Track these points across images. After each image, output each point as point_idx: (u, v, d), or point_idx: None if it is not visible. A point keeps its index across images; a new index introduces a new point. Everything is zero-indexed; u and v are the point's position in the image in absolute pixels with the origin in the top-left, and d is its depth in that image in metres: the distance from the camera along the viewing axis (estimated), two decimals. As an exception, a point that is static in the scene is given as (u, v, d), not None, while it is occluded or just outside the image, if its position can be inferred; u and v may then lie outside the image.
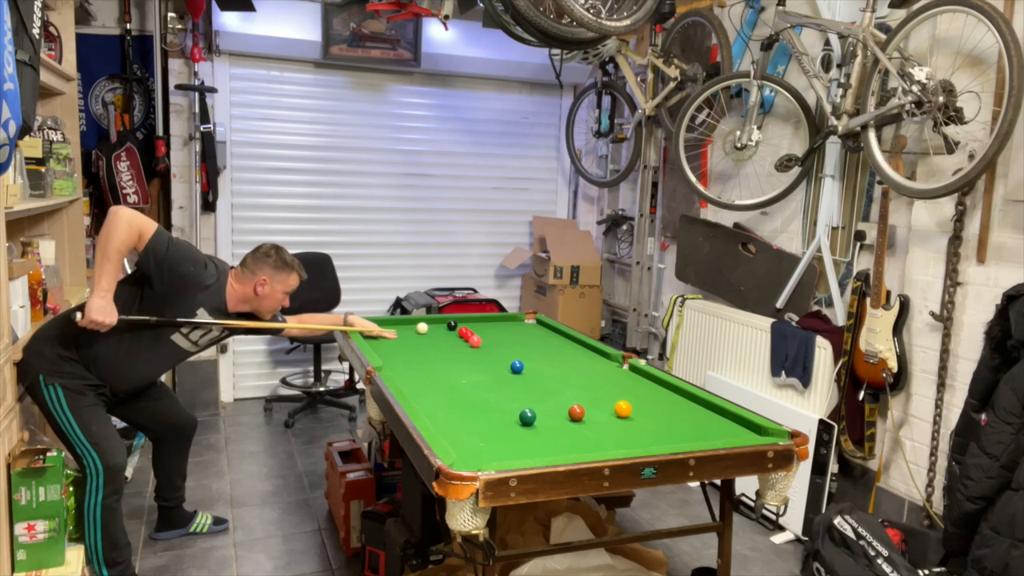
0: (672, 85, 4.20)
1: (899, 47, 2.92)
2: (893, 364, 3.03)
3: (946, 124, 2.69)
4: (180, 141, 4.46)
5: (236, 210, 4.74)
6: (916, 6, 2.82)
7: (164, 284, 2.57)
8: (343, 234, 5.04)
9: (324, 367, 4.86)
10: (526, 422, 2.14)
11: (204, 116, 4.38)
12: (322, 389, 4.76)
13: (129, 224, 2.45)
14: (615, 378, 2.73)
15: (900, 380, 3.05)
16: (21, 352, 2.47)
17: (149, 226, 2.50)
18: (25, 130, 2.11)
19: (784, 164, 3.45)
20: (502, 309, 4.83)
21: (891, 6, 3.10)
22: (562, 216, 5.63)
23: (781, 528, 3.35)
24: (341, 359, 3.32)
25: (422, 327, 3.32)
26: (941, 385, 2.92)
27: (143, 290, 2.60)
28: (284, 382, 4.94)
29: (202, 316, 2.71)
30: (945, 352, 2.90)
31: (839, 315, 3.41)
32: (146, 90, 4.45)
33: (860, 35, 3.03)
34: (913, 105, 2.74)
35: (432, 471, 1.73)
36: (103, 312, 2.42)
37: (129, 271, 4.39)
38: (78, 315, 2.45)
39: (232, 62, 4.61)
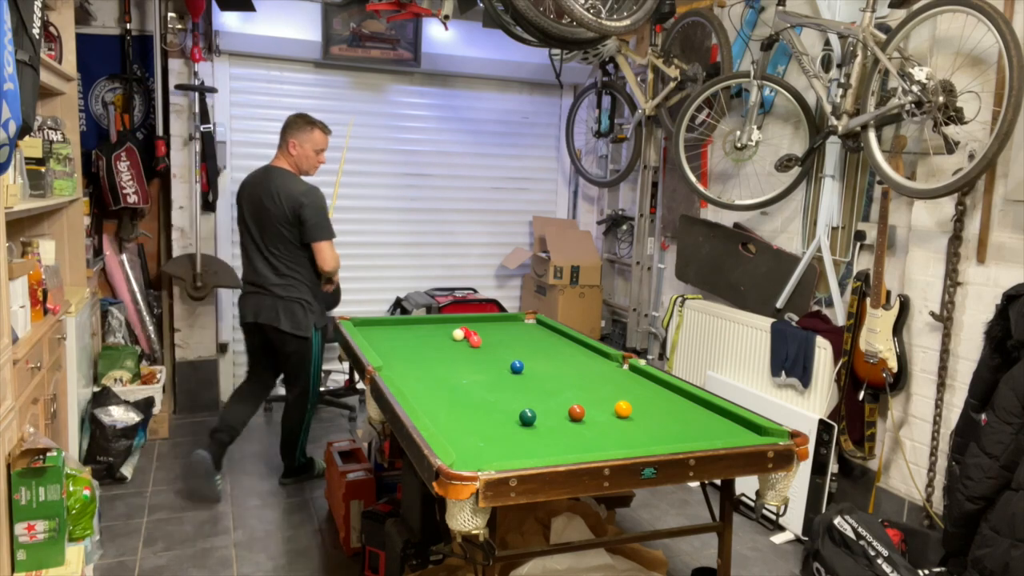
0: (672, 85, 4.20)
1: (899, 47, 2.92)
2: (893, 364, 3.03)
3: (946, 124, 2.69)
4: (180, 141, 4.46)
5: (236, 210, 4.73)
6: (916, 6, 2.82)
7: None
8: (343, 234, 4.99)
9: (324, 367, 4.85)
10: (526, 422, 2.14)
11: (204, 116, 4.38)
12: (322, 389, 4.75)
13: (337, 260, 3.47)
14: (615, 378, 2.73)
15: (900, 380, 3.05)
16: (291, 313, 3.42)
17: (333, 250, 3.45)
18: (25, 130, 2.11)
19: (784, 164, 3.45)
20: (502, 309, 4.83)
21: (891, 6, 3.10)
22: (562, 216, 5.63)
23: (781, 528, 3.35)
24: (341, 359, 3.31)
25: None
26: (941, 385, 2.92)
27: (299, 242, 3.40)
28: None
29: None
30: (945, 352, 2.90)
31: (839, 315, 3.41)
32: (146, 90, 4.45)
33: (860, 35, 3.03)
34: (913, 105, 2.74)
35: (432, 471, 1.73)
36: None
37: (130, 271, 4.40)
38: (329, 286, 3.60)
39: (232, 62, 4.61)
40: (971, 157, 2.69)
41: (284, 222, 3.36)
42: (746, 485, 2.83)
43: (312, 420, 3.68)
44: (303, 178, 3.47)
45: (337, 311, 4.94)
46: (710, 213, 4.26)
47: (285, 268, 3.41)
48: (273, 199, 3.37)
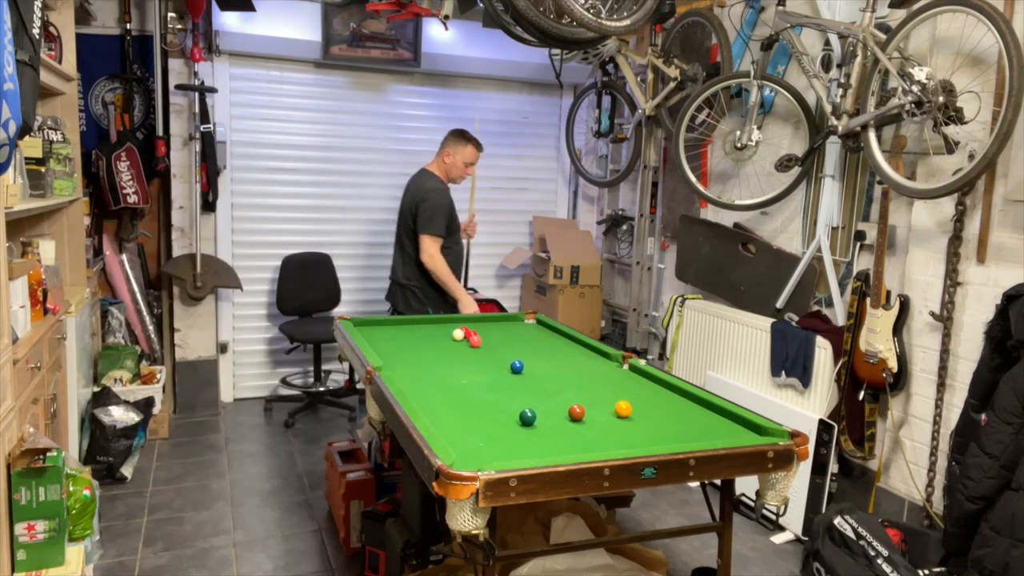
0: (672, 85, 4.20)
1: (899, 47, 2.92)
2: (893, 364, 3.03)
3: (946, 124, 2.69)
4: (180, 141, 4.46)
5: (236, 210, 4.74)
6: (916, 6, 2.82)
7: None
8: (343, 234, 5.04)
9: (324, 367, 4.86)
10: (526, 422, 2.14)
11: (204, 116, 4.38)
12: (322, 389, 4.76)
13: (434, 259, 3.70)
14: (615, 378, 2.73)
15: (900, 380, 3.05)
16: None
17: (434, 247, 3.72)
18: (25, 130, 2.11)
19: (784, 164, 3.45)
20: (502, 309, 4.83)
21: (891, 6, 3.10)
22: (562, 216, 5.63)
23: (781, 528, 3.35)
24: (341, 359, 3.31)
25: None
26: (941, 385, 2.92)
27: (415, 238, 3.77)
28: (284, 382, 4.94)
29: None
30: (945, 352, 2.90)
31: (839, 315, 3.41)
32: (146, 90, 4.45)
33: (860, 35, 3.03)
34: (913, 105, 2.74)
35: (432, 471, 1.73)
36: (473, 306, 3.78)
37: (130, 271, 4.39)
38: (465, 310, 3.75)
39: (232, 62, 4.61)
40: (971, 157, 2.69)
41: (410, 216, 3.77)
42: (746, 485, 2.83)
43: None
44: (450, 185, 3.89)
45: (337, 311, 4.97)
46: (710, 213, 4.26)
47: (409, 258, 3.84)
48: (409, 196, 3.82)
